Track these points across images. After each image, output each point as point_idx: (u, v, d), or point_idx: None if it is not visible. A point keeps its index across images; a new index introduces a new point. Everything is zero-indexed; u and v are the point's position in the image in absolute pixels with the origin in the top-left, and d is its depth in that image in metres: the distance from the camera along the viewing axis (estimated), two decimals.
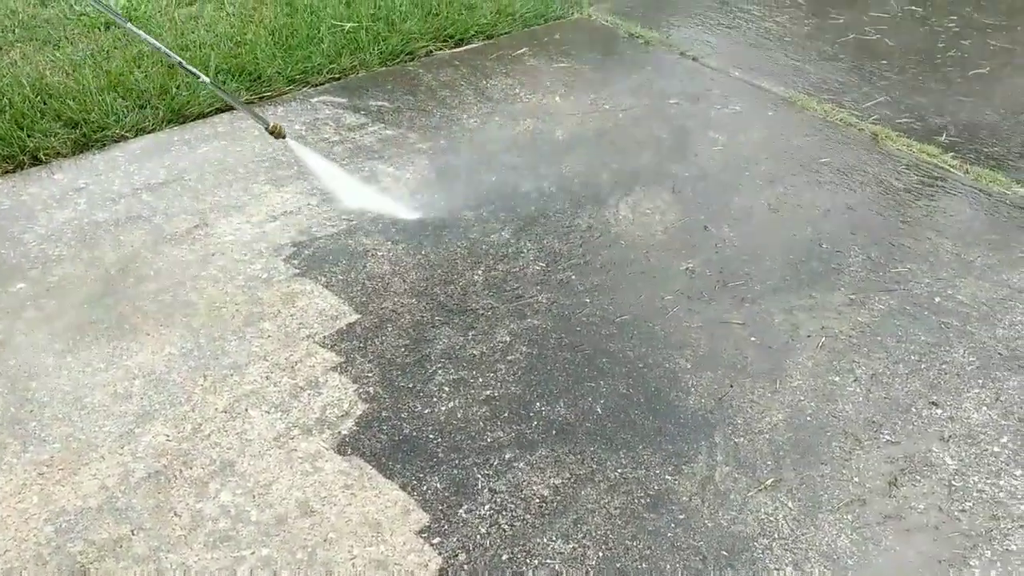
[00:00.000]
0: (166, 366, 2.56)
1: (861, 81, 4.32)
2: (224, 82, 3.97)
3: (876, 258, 3.07)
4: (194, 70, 2.85)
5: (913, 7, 5.21)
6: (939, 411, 2.48)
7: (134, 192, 3.31)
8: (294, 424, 2.38)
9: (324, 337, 2.66)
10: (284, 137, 3.12)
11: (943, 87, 4.29)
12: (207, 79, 2.86)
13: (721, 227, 3.22)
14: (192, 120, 3.81)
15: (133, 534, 2.08)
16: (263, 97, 4.01)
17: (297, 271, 2.93)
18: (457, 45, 4.56)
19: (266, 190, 3.33)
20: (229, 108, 3.87)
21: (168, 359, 2.59)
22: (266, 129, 3.06)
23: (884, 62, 4.52)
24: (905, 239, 3.17)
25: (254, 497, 2.18)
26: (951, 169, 3.59)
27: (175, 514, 2.14)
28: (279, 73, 4.11)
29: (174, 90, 3.85)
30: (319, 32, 4.42)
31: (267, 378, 2.52)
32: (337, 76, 4.19)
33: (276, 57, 4.18)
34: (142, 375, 2.52)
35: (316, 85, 4.12)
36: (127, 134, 3.65)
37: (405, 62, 4.36)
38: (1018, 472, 2.31)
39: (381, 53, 4.32)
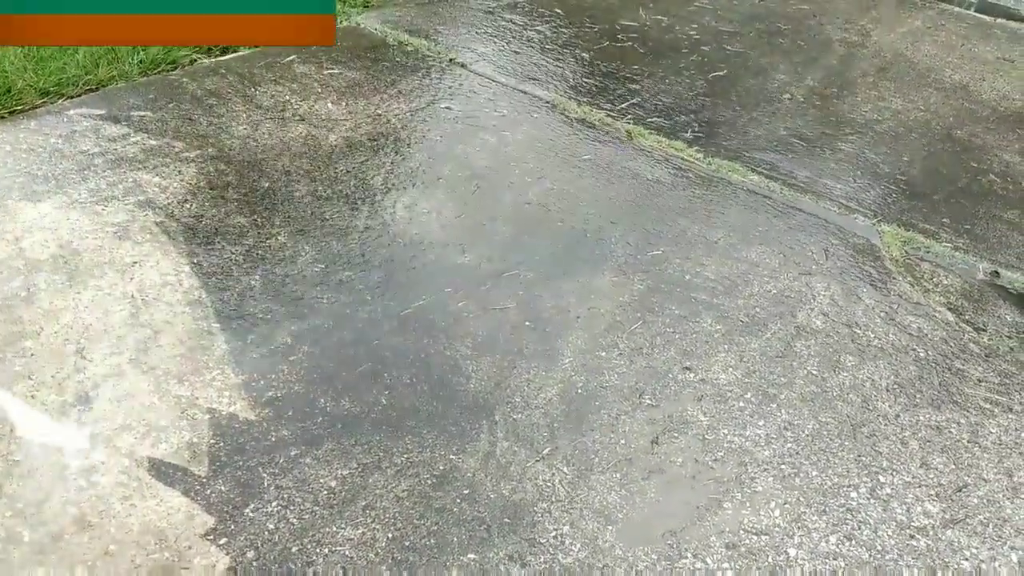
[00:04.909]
0: None
1: (616, 85, 4.64)
2: None
3: (634, 243, 3.32)
4: None
5: (659, 17, 5.65)
6: (692, 375, 2.74)
7: None
8: (65, 440, 2.28)
9: (93, 351, 2.56)
10: None
11: (687, 88, 4.69)
12: None
13: (494, 222, 3.37)
14: None
15: None
16: (14, 112, 3.77)
17: (60, 287, 2.79)
18: (223, 53, 4.48)
19: (21, 206, 3.15)
20: None
21: None
22: None
23: (635, 67, 4.87)
24: (659, 225, 3.45)
25: (25, 518, 2.08)
26: (695, 161, 3.95)
27: None
28: (31, 86, 3.88)
29: None
30: None
31: (33, 397, 2.40)
32: (95, 87, 4.01)
33: (27, 69, 3.95)
34: None
35: (72, 97, 3.92)
36: None
37: (167, 71, 4.23)
38: (761, 423, 2.59)
39: (141, 63, 4.17)
